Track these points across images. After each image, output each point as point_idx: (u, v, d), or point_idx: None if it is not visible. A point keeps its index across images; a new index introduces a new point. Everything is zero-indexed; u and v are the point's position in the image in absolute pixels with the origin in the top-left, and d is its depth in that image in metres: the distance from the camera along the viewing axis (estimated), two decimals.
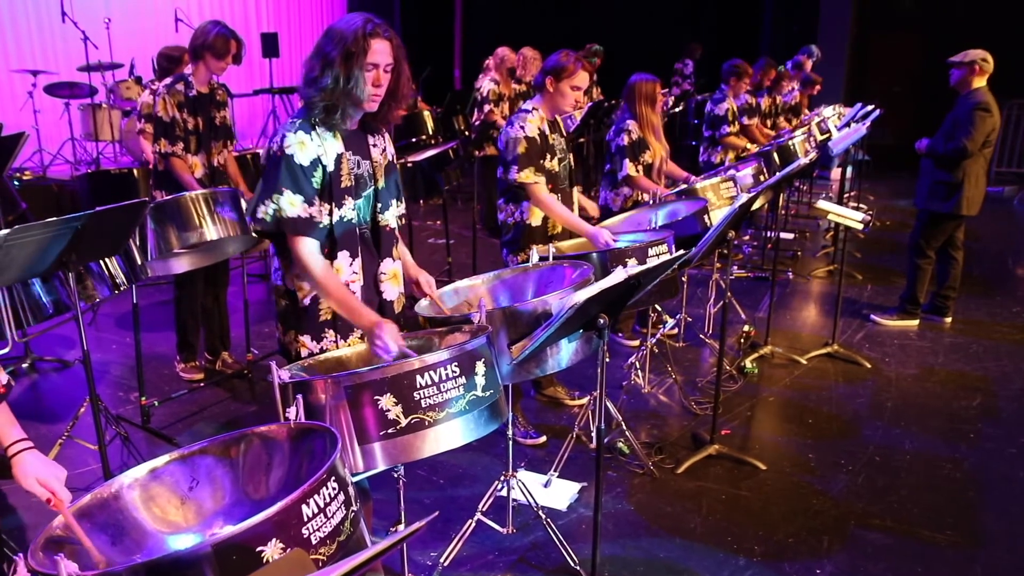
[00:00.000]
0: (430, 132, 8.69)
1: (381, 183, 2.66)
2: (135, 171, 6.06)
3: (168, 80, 4.51)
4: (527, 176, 3.80)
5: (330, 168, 2.50)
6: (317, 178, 2.47)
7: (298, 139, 2.45)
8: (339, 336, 2.64)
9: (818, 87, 9.75)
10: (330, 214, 2.52)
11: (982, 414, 4.54)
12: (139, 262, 3.73)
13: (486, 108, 7.71)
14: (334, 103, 2.45)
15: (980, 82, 5.40)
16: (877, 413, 4.54)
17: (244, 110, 11.77)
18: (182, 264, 4.31)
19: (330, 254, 2.56)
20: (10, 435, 1.87)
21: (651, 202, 4.81)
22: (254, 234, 2.54)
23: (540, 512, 3.24)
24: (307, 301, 2.63)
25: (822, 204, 4.99)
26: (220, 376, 4.86)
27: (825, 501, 3.67)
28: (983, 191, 5.58)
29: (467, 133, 8.76)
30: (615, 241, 3.79)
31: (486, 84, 7.81)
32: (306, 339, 2.64)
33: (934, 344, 5.61)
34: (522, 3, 14.98)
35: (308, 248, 2.48)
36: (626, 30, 14.54)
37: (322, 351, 2.63)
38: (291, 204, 2.44)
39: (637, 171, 5.01)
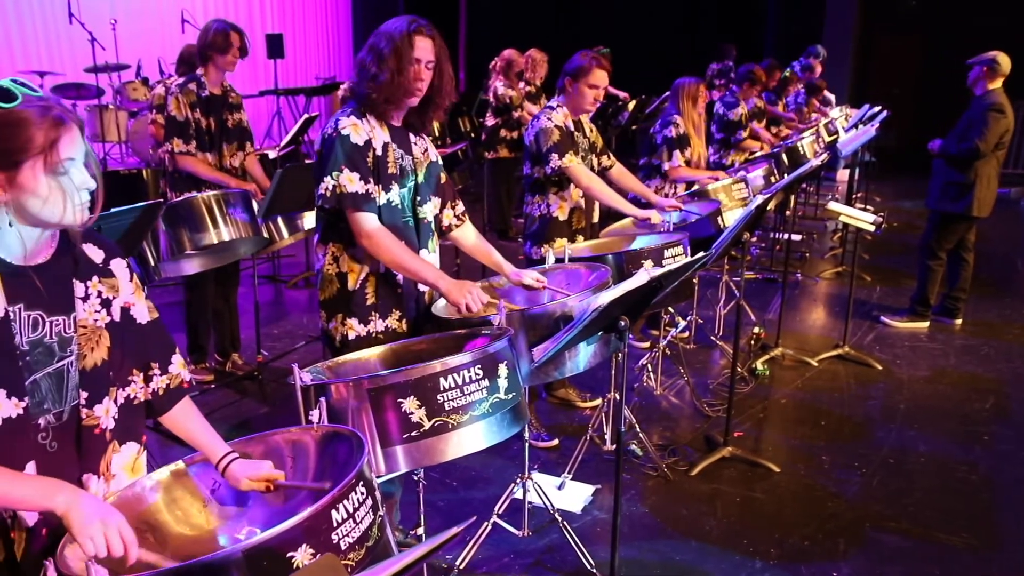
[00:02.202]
0: (436, 134, 8.69)
1: (420, 177, 2.79)
2: (144, 172, 6.05)
3: (180, 80, 4.51)
4: (569, 160, 3.87)
5: (379, 153, 2.63)
6: (370, 159, 2.61)
7: (351, 122, 2.61)
8: (381, 318, 2.76)
9: (824, 92, 9.73)
10: (376, 197, 2.65)
11: (995, 416, 4.52)
12: (152, 263, 3.73)
13: (517, 113, 7.68)
14: (390, 96, 2.60)
15: (995, 84, 5.38)
16: (890, 415, 4.52)
17: (249, 111, 11.69)
18: (193, 265, 4.30)
19: None
20: (219, 449, 1.90)
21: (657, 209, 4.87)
22: (321, 211, 2.62)
23: (556, 515, 3.23)
24: (357, 285, 2.72)
25: (834, 206, 4.98)
26: (230, 378, 4.85)
27: (840, 503, 3.66)
28: (995, 192, 5.56)
29: (473, 135, 8.75)
30: (663, 219, 4.02)
31: (502, 90, 7.78)
32: (353, 322, 2.73)
33: (945, 346, 5.59)
34: (526, 5, 14.98)
35: (371, 221, 2.60)
36: (629, 31, 14.53)
37: (368, 334, 2.73)
38: (350, 180, 2.56)
39: (683, 161, 5.34)
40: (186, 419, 1.93)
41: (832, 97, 10.51)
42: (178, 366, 1.90)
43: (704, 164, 5.52)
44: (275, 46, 11.56)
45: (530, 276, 3.00)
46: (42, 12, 9.57)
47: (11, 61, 9.35)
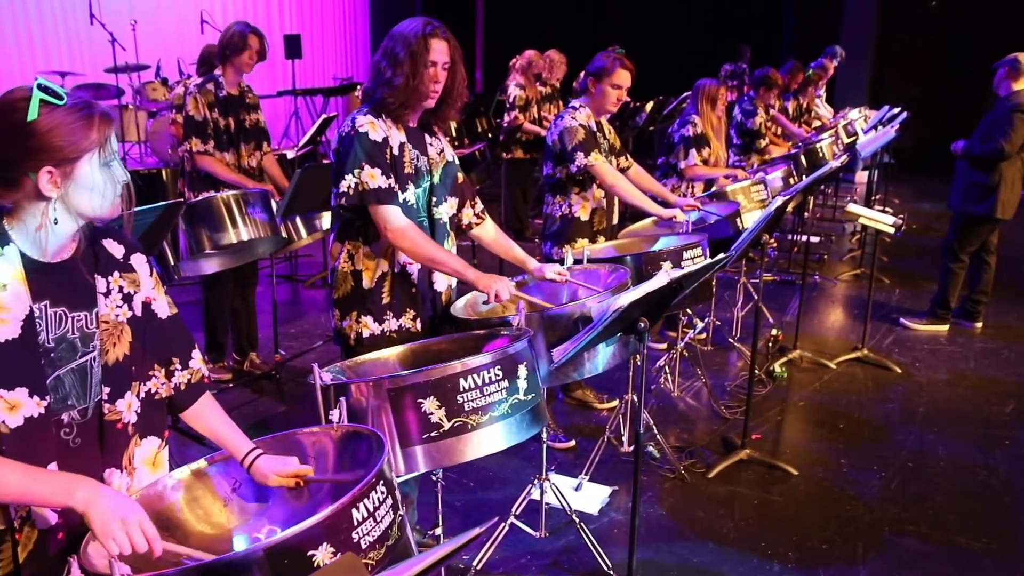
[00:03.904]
0: (453, 134, 8.71)
1: (436, 179, 2.79)
2: (163, 172, 6.10)
3: (198, 80, 4.55)
4: (595, 158, 3.87)
5: (395, 152, 2.65)
6: (387, 157, 2.62)
7: (368, 119, 2.64)
8: (395, 317, 2.77)
9: (823, 82, 9.63)
10: None
11: (1016, 420, 4.48)
12: (172, 263, 3.75)
13: (513, 114, 7.69)
14: (405, 100, 2.62)
15: (1019, 84, 5.32)
16: (909, 418, 4.49)
17: (266, 112, 11.71)
18: (212, 265, 4.32)
19: None
20: (242, 446, 1.91)
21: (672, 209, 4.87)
22: (340, 209, 2.64)
23: (573, 516, 3.22)
24: (372, 283, 2.74)
25: (853, 208, 4.95)
26: (248, 377, 4.87)
27: (858, 507, 3.63)
28: (1019, 194, 5.50)
29: (490, 135, 8.76)
30: (686, 219, 4.04)
31: (512, 90, 7.80)
32: (368, 320, 2.75)
33: (964, 349, 5.54)
34: (543, 5, 14.97)
35: (395, 213, 2.61)
36: (647, 31, 14.49)
37: (383, 333, 2.75)
38: (371, 176, 2.58)
39: (699, 160, 5.34)
40: (209, 415, 1.94)
41: (828, 113, 10.38)
42: (198, 361, 1.91)
43: (723, 166, 5.50)
44: (293, 46, 11.59)
45: (552, 270, 3.00)
46: (63, 13, 9.64)
47: (32, 61, 9.43)
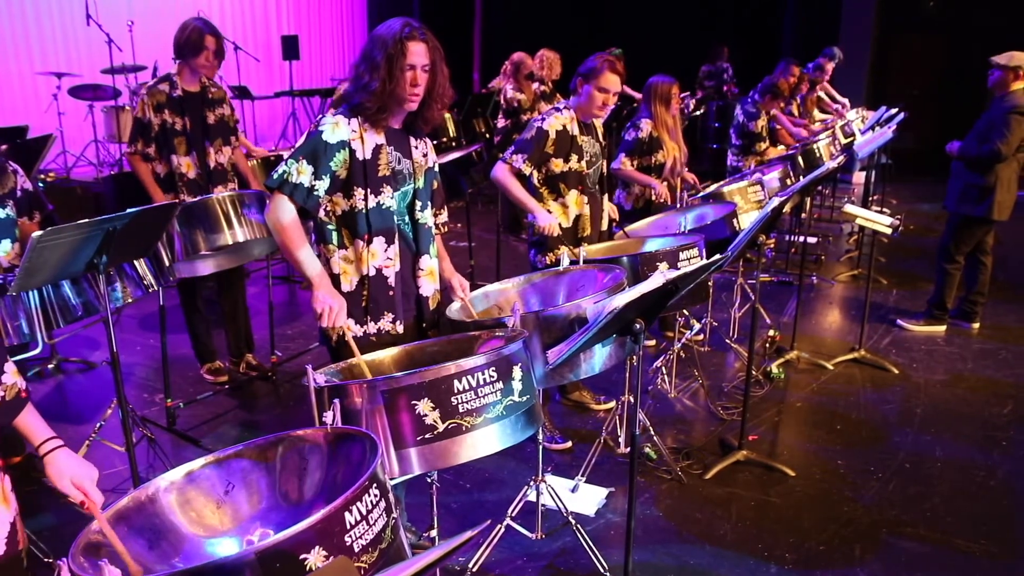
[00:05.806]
0: (451, 135, 8.70)
1: (420, 183, 2.78)
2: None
3: (151, 81, 4.53)
4: (512, 159, 3.82)
5: (364, 156, 2.63)
6: (338, 159, 2.60)
7: (333, 120, 2.62)
8: (373, 320, 2.77)
9: (820, 86, 9.63)
10: (365, 199, 2.66)
11: (1014, 421, 4.47)
12: (167, 264, 3.74)
13: (523, 117, 7.64)
14: (383, 104, 2.60)
15: (1019, 85, 5.31)
16: (906, 420, 4.48)
17: (264, 112, 11.78)
18: (208, 266, 4.30)
19: (368, 239, 2.69)
20: (41, 433, 1.86)
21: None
22: (266, 190, 2.62)
23: (569, 518, 3.21)
24: (352, 287, 2.74)
25: (850, 208, 4.94)
26: (244, 378, 4.86)
27: (856, 508, 3.62)
28: (1015, 195, 5.49)
29: (488, 136, 8.74)
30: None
31: (511, 93, 7.77)
32: (350, 322, 2.72)
33: (962, 350, 5.54)
34: (542, 5, 14.97)
35: (286, 205, 2.60)
36: (645, 31, 14.49)
37: (365, 335, 2.74)
38: (299, 172, 2.58)
39: (632, 165, 5.08)
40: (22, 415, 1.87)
41: (846, 101, 10.41)
42: (11, 375, 1.81)
43: (681, 166, 5.26)
44: (290, 47, 11.58)
45: (455, 308, 2.98)
46: (60, 14, 9.63)
47: (30, 62, 9.42)
